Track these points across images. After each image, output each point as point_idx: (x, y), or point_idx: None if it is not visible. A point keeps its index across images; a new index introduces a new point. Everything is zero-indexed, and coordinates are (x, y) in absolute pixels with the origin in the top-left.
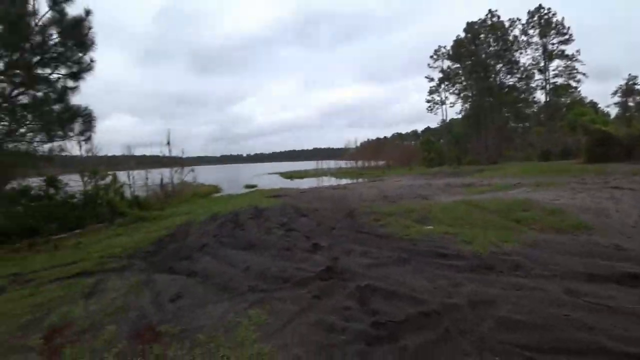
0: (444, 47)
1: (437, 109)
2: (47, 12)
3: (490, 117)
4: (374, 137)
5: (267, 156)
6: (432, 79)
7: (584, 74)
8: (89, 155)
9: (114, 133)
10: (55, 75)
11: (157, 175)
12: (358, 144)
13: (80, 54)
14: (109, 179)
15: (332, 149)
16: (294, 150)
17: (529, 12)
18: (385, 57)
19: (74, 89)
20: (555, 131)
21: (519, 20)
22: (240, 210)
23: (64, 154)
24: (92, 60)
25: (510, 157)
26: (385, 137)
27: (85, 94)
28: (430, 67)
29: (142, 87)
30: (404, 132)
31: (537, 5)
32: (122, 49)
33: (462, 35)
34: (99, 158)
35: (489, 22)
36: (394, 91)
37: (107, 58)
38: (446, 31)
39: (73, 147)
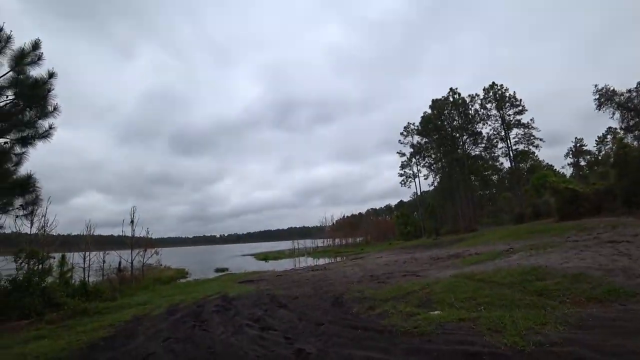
0: (413, 124)
1: (410, 182)
2: (7, 73)
3: (461, 186)
4: (349, 214)
5: (242, 237)
6: (403, 154)
7: (541, 139)
8: (40, 233)
9: (83, 211)
10: (1, 140)
11: (117, 258)
12: (333, 222)
13: (36, 119)
14: (52, 262)
15: (308, 227)
16: (269, 230)
17: (484, 89)
18: (358, 137)
19: (20, 155)
20: (522, 195)
21: (478, 95)
22: (207, 300)
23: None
24: (51, 127)
25: (486, 224)
26: (360, 213)
27: (61, 170)
28: (401, 142)
29: (120, 166)
30: (377, 207)
31: (490, 82)
32: (107, 129)
33: (429, 111)
34: (53, 237)
35: (451, 99)
36: (367, 168)
37: (91, 138)
38: (413, 111)
39: (22, 224)
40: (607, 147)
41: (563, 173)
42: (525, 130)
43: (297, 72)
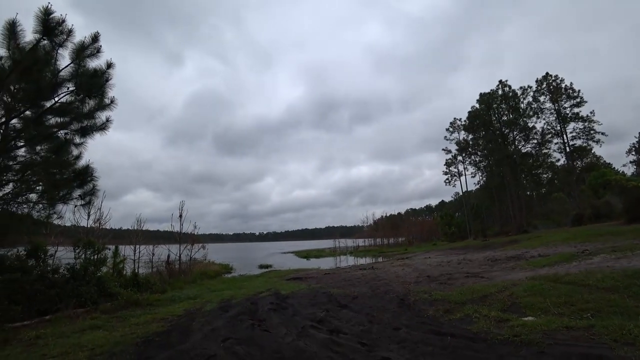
0: (460, 119)
1: (455, 181)
2: (68, 65)
3: (511, 185)
4: (388, 214)
5: (281, 235)
6: (449, 151)
7: (603, 133)
8: (95, 226)
9: (132, 207)
10: (63, 131)
11: (165, 250)
12: (375, 220)
13: (95, 110)
14: (107, 252)
15: (346, 227)
16: (307, 229)
17: (537, 80)
18: (398, 136)
19: (79, 145)
20: (577, 195)
21: (530, 87)
22: (258, 297)
23: (57, 221)
24: (108, 120)
25: (537, 225)
26: (399, 213)
27: (115, 169)
28: (447, 139)
29: (167, 165)
30: (417, 207)
31: (544, 73)
32: (157, 130)
33: (477, 106)
34: (106, 230)
35: (500, 92)
36: (406, 168)
37: (143, 139)
38: (457, 108)
39: (80, 217)
40: None
41: (623, 172)
42: (585, 124)
43: (337, 72)
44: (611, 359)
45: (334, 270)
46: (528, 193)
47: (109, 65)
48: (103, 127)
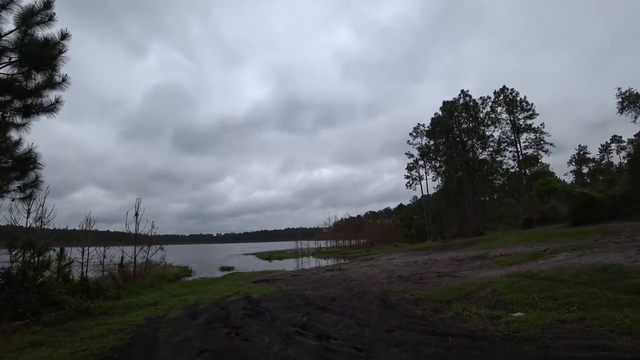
0: (423, 125)
1: (416, 184)
2: (11, 31)
3: (469, 190)
4: (348, 217)
5: (239, 236)
6: (411, 155)
7: (551, 144)
8: (36, 225)
9: (80, 206)
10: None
11: (118, 252)
12: (337, 222)
13: (43, 87)
14: (51, 255)
15: (306, 228)
16: (267, 231)
17: (495, 92)
18: (361, 140)
19: (20, 127)
20: (526, 200)
21: (489, 98)
22: (227, 301)
23: None
24: (57, 101)
25: (492, 228)
26: (358, 215)
27: (61, 164)
28: (410, 143)
29: (122, 161)
30: (376, 210)
31: (501, 86)
32: (112, 124)
33: (439, 113)
34: (49, 230)
35: (462, 101)
36: (367, 171)
37: (95, 132)
38: (418, 115)
39: (18, 214)
40: (610, 155)
41: (564, 180)
42: (536, 135)
43: (305, 74)
44: (615, 348)
45: (301, 271)
46: (482, 198)
47: (64, 36)
48: (51, 108)
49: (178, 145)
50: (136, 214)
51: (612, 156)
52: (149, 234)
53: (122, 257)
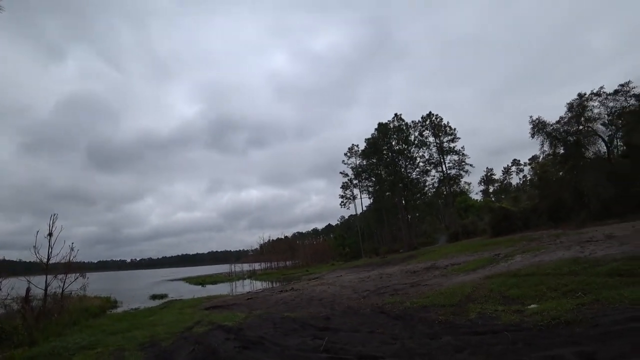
0: (357, 146)
1: (350, 203)
2: None
3: (402, 208)
4: (275, 238)
5: (157, 261)
6: (346, 175)
7: (471, 165)
8: None
9: None
10: None
11: (16, 284)
12: (263, 244)
13: None
14: None
15: (230, 251)
16: (188, 255)
17: (422, 117)
18: (290, 162)
19: None
20: (447, 217)
21: (419, 122)
22: (198, 334)
23: None
24: None
25: (422, 243)
26: (286, 236)
27: None
28: (345, 163)
29: (19, 178)
30: (304, 231)
31: (428, 111)
32: (10, 134)
33: (375, 134)
34: None
35: (397, 124)
36: (295, 193)
37: None
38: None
39: None
40: (510, 177)
41: (477, 199)
42: (459, 157)
43: (238, 95)
44: None
45: (254, 295)
46: (409, 216)
47: None
48: None
49: (92, 162)
50: (50, 235)
51: (512, 177)
52: (68, 259)
53: (28, 289)
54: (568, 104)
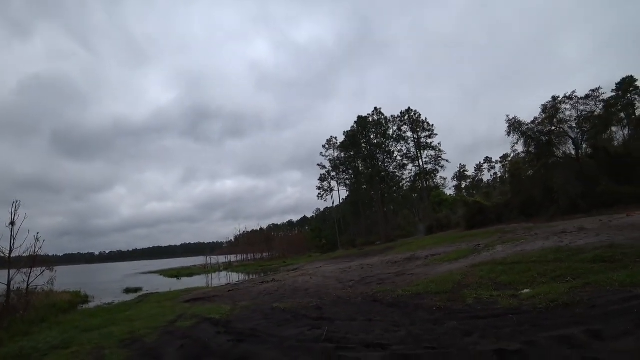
0: (335, 138)
1: (327, 195)
2: None
3: (379, 200)
4: (250, 229)
5: (128, 254)
6: (324, 167)
7: (447, 160)
8: None
9: None
10: None
11: None
12: (232, 239)
13: None
14: None
15: (204, 243)
16: (160, 247)
17: (401, 112)
18: (267, 153)
19: None
20: (421, 210)
21: (397, 117)
22: (184, 328)
23: None
24: None
25: (398, 236)
26: (261, 228)
27: None
28: (323, 155)
29: None
30: (279, 222)
31: (407, 107)
32: None
33: (354, 127)
34: None
35: (376, 118)
36: (271, 184)
37: None
38: (322, 132)
39: None
40: (482, 173)
41: (450, 194)
42: (436, 152)
43: (217, 83)
44: None
45: (234, 286)
46: (385, 209)
47: None
48: None
49: (58, 148)
50: (12, 224)
51: (484, 174)
52: (33, 251)
53: None
54: (542, 105)
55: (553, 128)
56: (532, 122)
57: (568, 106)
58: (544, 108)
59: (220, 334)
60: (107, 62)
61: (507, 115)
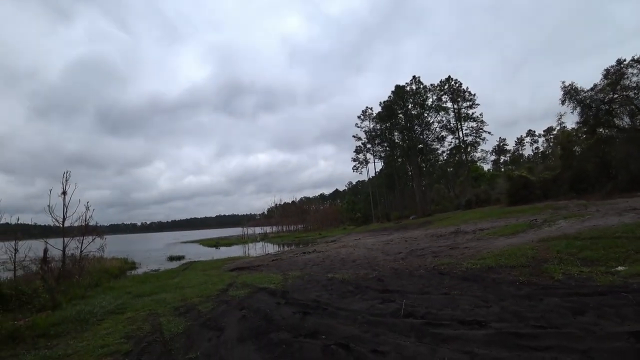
0: (371, 109)
1: (362, 167)
2: None
3: (417, 173)
4: (296, 200)
5: (166, 225)
6: (359, 138)
7: (489, 132)
8: None
9: None
10: None
11: (34, 246)
12: (265, 211)
13: None
14: None
15: (238, 215)
16: (197, 218)
17: (440, 82)
18: (300, 127)
19: None
20: (456, 185)
21: (438, 86)
22: (239, 298)
23: None
24: None
25: (435, 210)
26: (293, 201)
27: None
28: (358, 126)
29: (32, 142)
30: (310, 196)
31: (447, 76)
32: (21, 98)
33: (391, 97)
34: None
35: (415, 87)
36: (303, 158)
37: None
38: (355, 105)
39: None
40: (523, 148)
41: (489, 169)
42: (477, 124)
43: (249, 58)
44: None
45: (277, 256)
46: (422, 183)
47: None
48: None
49: (101, 126)
50: (64, 193)
51: (525, 148)
52: (84, 219)
53: (46, 250)
54: (605, 70)
55: (616, 96)
56: (591, 89)
57: (635, 70)
58: (606, 73)
59: (280, 305)
60: (143, 42)
61: (563, 82)
